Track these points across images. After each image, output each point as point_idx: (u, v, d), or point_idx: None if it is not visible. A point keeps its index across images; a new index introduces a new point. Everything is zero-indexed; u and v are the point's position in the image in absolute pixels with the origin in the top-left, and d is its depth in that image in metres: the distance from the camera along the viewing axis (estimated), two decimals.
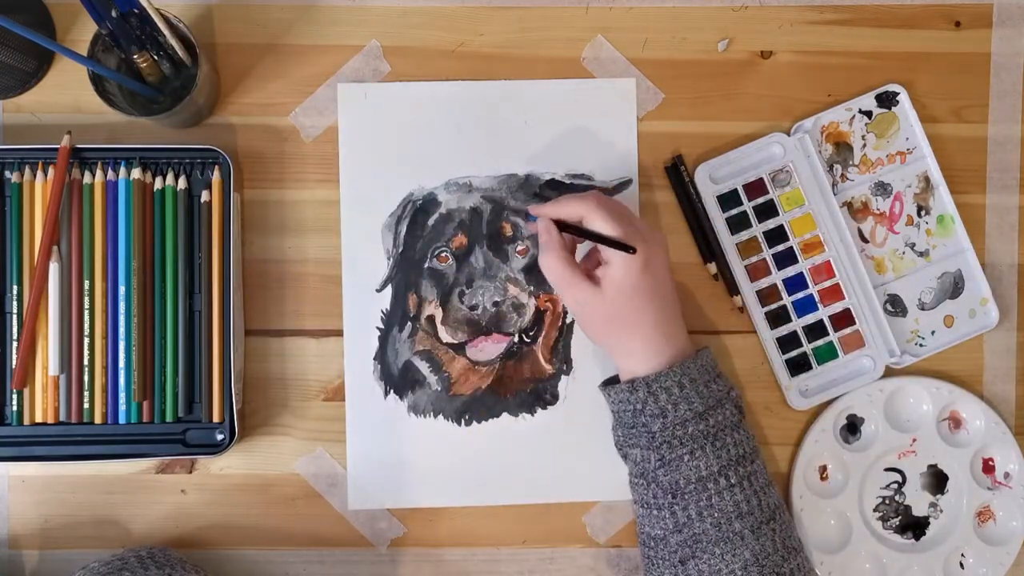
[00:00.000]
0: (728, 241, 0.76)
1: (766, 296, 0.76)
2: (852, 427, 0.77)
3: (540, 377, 0.76)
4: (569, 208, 0.67)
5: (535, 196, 0.76)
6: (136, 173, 0.71)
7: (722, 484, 0.65)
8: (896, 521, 0.77)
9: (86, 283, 0.71)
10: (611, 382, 0.72)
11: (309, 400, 0.75)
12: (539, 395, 0.76)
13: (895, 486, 0.77)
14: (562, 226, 0.68)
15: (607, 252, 0.66)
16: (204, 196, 0.72)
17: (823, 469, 0.77)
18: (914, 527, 0.77)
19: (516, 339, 0.75)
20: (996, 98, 0.78)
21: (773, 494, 0.67)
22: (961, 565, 0.77)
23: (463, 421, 0.75)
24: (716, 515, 0.64)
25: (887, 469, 0.77)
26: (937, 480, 0.77)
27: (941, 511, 0.77)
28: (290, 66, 0.75)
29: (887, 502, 0.77)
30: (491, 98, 0.76)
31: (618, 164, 0.76)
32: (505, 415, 0.75)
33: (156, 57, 0.70)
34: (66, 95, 0.74)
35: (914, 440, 0.77)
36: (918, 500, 0.77)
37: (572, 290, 0.67)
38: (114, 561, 0.68)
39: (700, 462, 0.65)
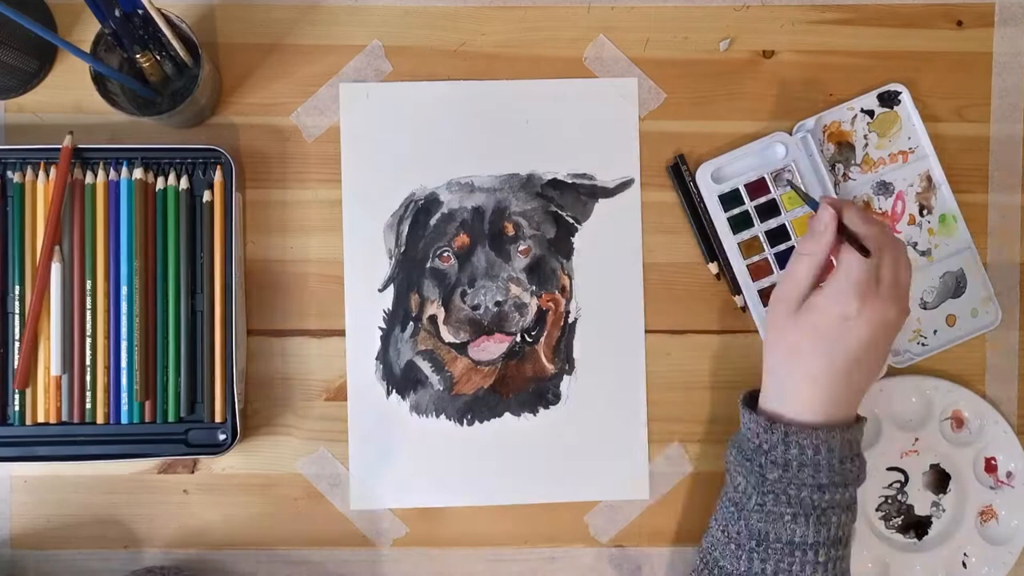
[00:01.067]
0: (730, 241, 0.76)
1: (768, 296, 0.76)
2: None
3: (542, 377, 0.76)
4: (864, 227, 0.62)
5: (537, 196, 0.76)
6: (138, 173, 0.71)
7: (809, 557, 0.62)
8: (898, 520, 0.77)
9: (88, 283, 0.71)
10: (752, 399, 0.68)
11: (311, 400, 0.75)
12: (541, 395, 0.76)
13: (897, 485, 0.77)
14: (843, 232, 0.63)
15: (849, 262, 0.61)
16: (206, 196, 0.72)
17: None
18: (916, 526, 0.77)
19: (518, 339, 0.75)
20: (998, 97, 0.78)
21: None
22: (964, 564, 0.76)
23: (465, 421, 0.75)
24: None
25: (889, 468, 0.77)
26: (939, 479, 0.77)
27: (943, 511, 0.77)
28: (292, 66, 0.75)
29: (889, 501, 0.77)
30: (493, 98, 0.76)
31: (620, 164, 0.76)
32: (507, 415, 0.75)
33: (158, 57, 0.70)
34: (68, 95, 0.74)
35: (916, 439, 0.77)
36: (920, 500, 0.77)
37: (786, 296, 0.64)
38: None
39: (798, 528, 0.62)
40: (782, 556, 0.63)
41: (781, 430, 0.62)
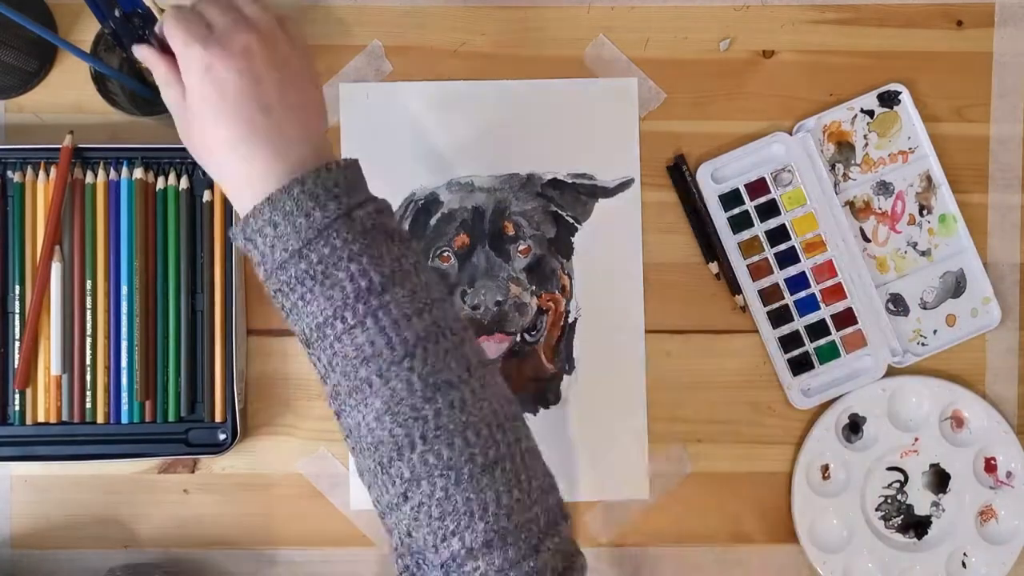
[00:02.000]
0: (730, 240, 0.76)
1: (768, 295, 0.76)
2: (854, 426, 0.77)
3: (542, 377, 0.76)
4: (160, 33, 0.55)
5: (537, 195, 0.76)
6: (138, 173, 0.71)
7: (339, 328, 0.51)
8: (898, 520, 0.77)
9: (88, 283, 0.71)
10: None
11: (311, 400, 0.75)
12: (541, 395, 0.76)
13: (897, 485, 0.77)
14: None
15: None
16: (206, 196, 0.72)
17: (825, 468, 0.77)
18: (916, 526, 0.77)
19: (518, 339, 0.75)
20: (998, 97, 0.78)
21: (416, 324, 0.51)
22: (963, 564, 0.76)
23: None
24: (342, 363, 0.51)
25: (889, 468, 0.77)
26: (939, 479, 0.77)
27: (943, 510, 0.77)
28: None
29: (889, 501, 0.77)
30: (493, 98, 0.76)
31: (620, 163, 0.76)
32: None
33: None
34: (68, 95, 0.74)
35: (916, 439, 0.77)
36: (920, 499, 0.77)
37: (181, 118, 0.55)
38: None
39: (313, 307, 0.51)
40: (322, 344, 0.52)
41: (240, 234, 0.52)
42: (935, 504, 0.77)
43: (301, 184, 0.51)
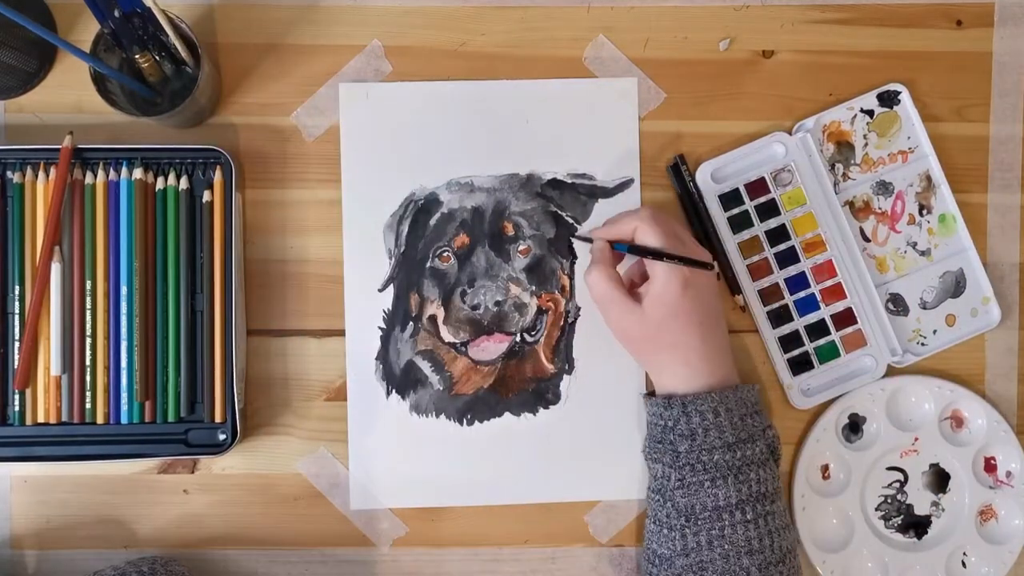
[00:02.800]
0: (730, 240, 0.76)
1: (768, 295, 0.76)
2: (854, 426, 0.77)
3: (542, 377, 0.76)
4: (622, 226, 0.68)
5: (537, 195, 0.76)
6: (138, 173, 0.71)
7: (737, 518, 0.64)
8: (898, 520, 0.77)
9: (88, 283, 0.71)
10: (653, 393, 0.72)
11: (311, 400, 0.75)
12: (541, 395, 0.76)
13: (897, 485, 0.77)
14: (614, 242, 0.69)
15: (652, 268, 0.67)
16: (206, 196, 0.72)
17: (825, 468, 0.77)
18: (916, 526, 0.77)
19: (518, 339, 0.75)
20: (997, 97, 0.78)
21: (788, 538, 0.67)
22: (963, 564, 0.77)
23: (465, 421, 0.75)
24: (726, 547, 0.64)
25: (889, 468, 0.77)
26: (939, 479, 0.77)
27: (943, 510, 0.77)
28: (292, 66, 0.75)
29: (889, 501, 0.77)
30: (493, 98, 0.76)
31: (620, 163, 0.76)
32: (507, 415, 0.75)
33: (158, 57, 0.70)
34: (68, 95, 0.74)
35: (916, 439, 0.77)
36: (920, 499, 0.77)
37: (613, 307, 0.68)
38: None
39: (719, 491, 0.64)
40: (711, 523, 0.64)
41: (679, 403, 0.66)
42: (935, 504, 0.77)
43: (743, 391, 0.67)
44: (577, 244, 0.76)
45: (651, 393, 0.73)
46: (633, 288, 0.70)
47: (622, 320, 0.68)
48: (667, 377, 0.69)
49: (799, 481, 0.76)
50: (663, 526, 0.66)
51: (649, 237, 0.66)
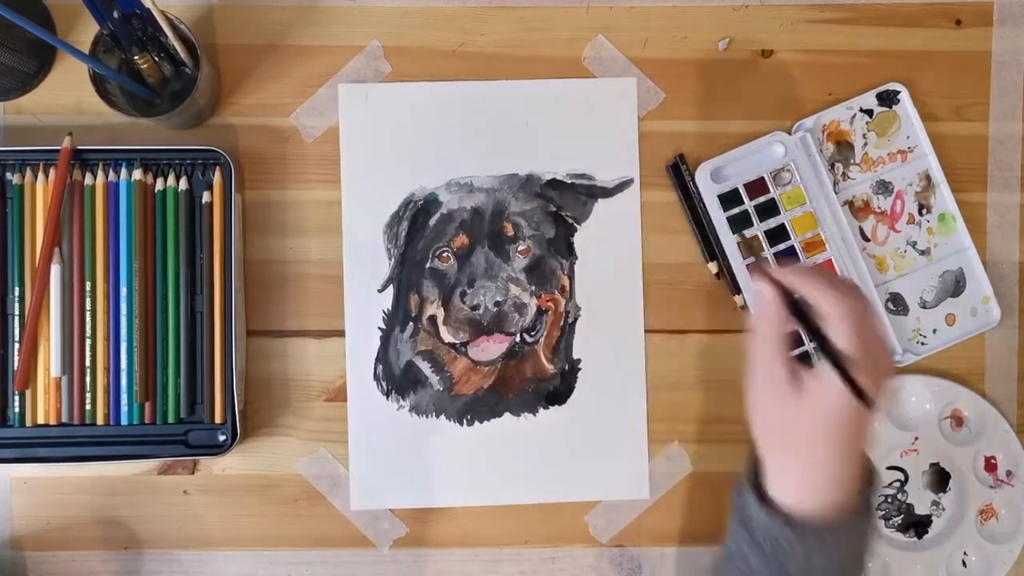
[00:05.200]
0: (729, 240, 0.76)
1: None
2: None
3: (542, 377, 0.76)
4: (816, 292, 0.54)
5: (536, 196, 0.76)
6: (137, 174, 0.71)
7: None
8: (898, 520, 0.77)
9: (88, 284, 0.71)
10: (755, 475, 0.60)
11: (311, 400, 0.75)
12: (541, 395, 0.76)
13: (897, 485, 0.77)
14: (791, 306, 0.56)
15: (825, 366, 0.53)
16: (205, 197, 0.72)
17: None
18: (916, 526, 0.77)
19: (518, 339, 0.75)
20: (997, 96, 0.78)
21: None
22: (964, 564, 0.77)
23: (465, 421, 0.75)
24: None
25: (889, 468, 0.77)
26: (939, 479, 0.77)
27: (943, 510, 0.77)
28: (291, 67, 0.75)
29: (889, 501, 0.77)
30: (492, 98, 0.76)
31: (619, 163, 0.76)
32: (507, 415, 0.75)
33: (157, 58, 0.70)
34: (67, 96, 0.74)
35: (916, 439, 0.77)
36: (920, 499, 0.77)
37: (767, 386, 0.56)
38: None
39: (813, 561, 0.55)
40: None
41: (810, 539, 0.55)
42: (935, 503, 0.77)
43: (855, 533, 0.56)
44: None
45: (753, 474, 0.60)
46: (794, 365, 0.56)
47: (770, 407, 0.57)
48: (782, 474, 0.57)
49: None
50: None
51: (839, 333, 0.53)
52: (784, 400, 0.55)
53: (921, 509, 0.77)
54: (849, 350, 0.52)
